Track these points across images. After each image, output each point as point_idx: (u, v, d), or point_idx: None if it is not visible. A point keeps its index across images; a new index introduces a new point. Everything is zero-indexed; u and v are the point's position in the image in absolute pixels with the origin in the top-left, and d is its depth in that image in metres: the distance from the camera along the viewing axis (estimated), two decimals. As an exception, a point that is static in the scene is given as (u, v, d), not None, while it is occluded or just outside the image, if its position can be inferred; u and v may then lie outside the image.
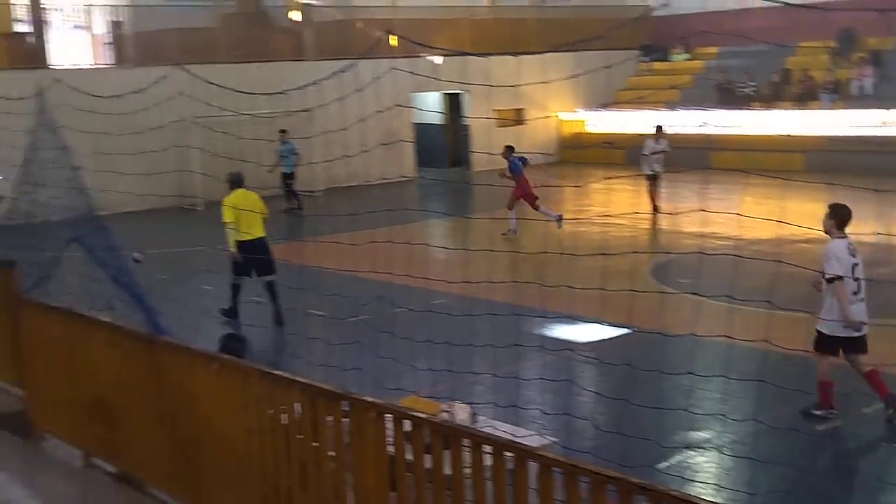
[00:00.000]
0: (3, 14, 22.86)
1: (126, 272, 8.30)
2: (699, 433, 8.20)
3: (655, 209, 19.63)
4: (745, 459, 6.90)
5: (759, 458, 6.01)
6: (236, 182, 11.15)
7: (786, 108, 26.57)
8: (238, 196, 11.12)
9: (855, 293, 8.00)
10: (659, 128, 20.51)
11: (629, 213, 17.92)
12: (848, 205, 8.00)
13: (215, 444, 5.93)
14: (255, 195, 11.24)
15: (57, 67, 22.29)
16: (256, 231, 10.99)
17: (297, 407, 5.33)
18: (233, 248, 10.96)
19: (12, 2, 24.03)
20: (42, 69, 21.37)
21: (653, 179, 19.92)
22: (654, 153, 20.08)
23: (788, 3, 4.98)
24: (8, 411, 8.64)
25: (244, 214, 10.69)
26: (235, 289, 11.18)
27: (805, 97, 26.63)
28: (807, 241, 14.05)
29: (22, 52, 22.60)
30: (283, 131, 20.64)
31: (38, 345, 7.84)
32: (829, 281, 7.94)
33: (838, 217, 8.04)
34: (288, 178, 21.20)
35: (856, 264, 8.04)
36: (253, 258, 10.52)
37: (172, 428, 6.35)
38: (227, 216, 10.93)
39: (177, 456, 6.33)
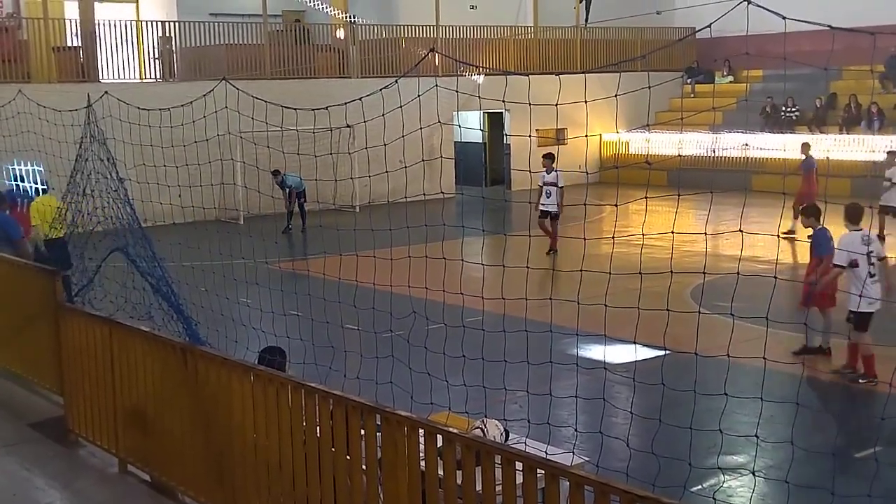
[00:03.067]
0: (54, 28, 23.31)
1: (166, 282, 8.42)
2: (733, 457, 8.12)
3: (551, 249, 17.35)
4: (780, 484, 6.82)
5: (793, 483, 5.94)
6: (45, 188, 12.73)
7: (831, 133, 26.32)
8: (43, 200, 12.61)
9: (871, 275, 9.56)
10: (548, 155, 17.98)
11: (654, 234, 17.74)
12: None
13: (249, 455, 5.98)
14: (56, 200, 12.39)
15: (106, 81, 22.67)
16: (58, 232, 12.27)
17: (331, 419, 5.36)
18: (41, 246, 11.96)
19: (65, 17, 24.51)
20: (92, 83, 21.76)
21: (545, 217, 17.64)
22: (545, 184, 17.74)
23: (834, 28, 4.95)
24: (48, 417, 8.78)
25: (48, 216, 11.84)
26: None
27: (851, 122, 26.37)
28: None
29: (72, 65, 23.02)
30: (276, 172, 20.66)
31: (79, 352, 7.95)
32: (848, 266, 9.62)
33: (850, 214, 9.89)
34: (300, 196, 21.56)
35: (870, 252, 9.68)
36: (54, 255, 11.47)
37: (207, 437, 6.41)
38: (35, 217, 12.22)
39: (210, 465, 6.39)
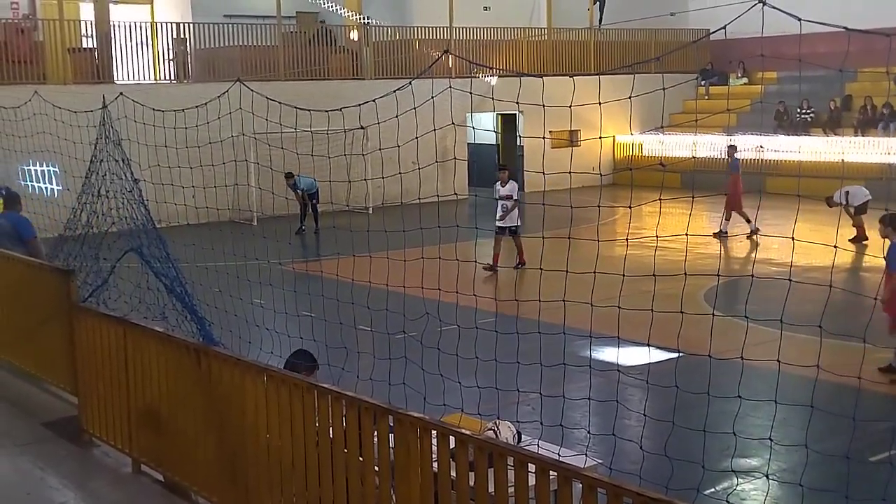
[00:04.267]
0: (70, 30, 23.42)
1: (180, 283, 8.45)
2: (747, 460, 8.10)
3: (491, 266, 16.17)
4: (794, 487, 6.79)
5: (808, 486, 5.92)
6: None
7: (846, 135, 26.21)
8: None
9: None
10: (502, 167, 16.89)
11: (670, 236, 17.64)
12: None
13: (262, 455, 5.99)
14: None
15: (121, 83, 22.77)
16: None
17: (344, 420, 5.36)
18: None
19: (80, 18, 24.63)
20: (106, 84, 21.85)
21: (502, 233, 16.39)
22: (499, 198, 16.35)
23: (849, 29, 4.93)
24: (61, 417, 8.81)
25: None
26: None
27: (866, 124, 26.25)
28: (864, 268, 13.85)
29: (87, 67, 23.13)
30: (289, 175, 20.63)
31: (93, 352, 7.98)
32: None
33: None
34: (312, 197, 21.60)
35: None
36: None
37: (220, 437, 6.42)
38: None
39: (224, 465, 6.40)
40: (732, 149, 20.69)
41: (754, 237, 18.54)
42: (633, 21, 28.14)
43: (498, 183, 16.58)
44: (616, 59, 30.38)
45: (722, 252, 17.86)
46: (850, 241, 17.92)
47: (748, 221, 19.02)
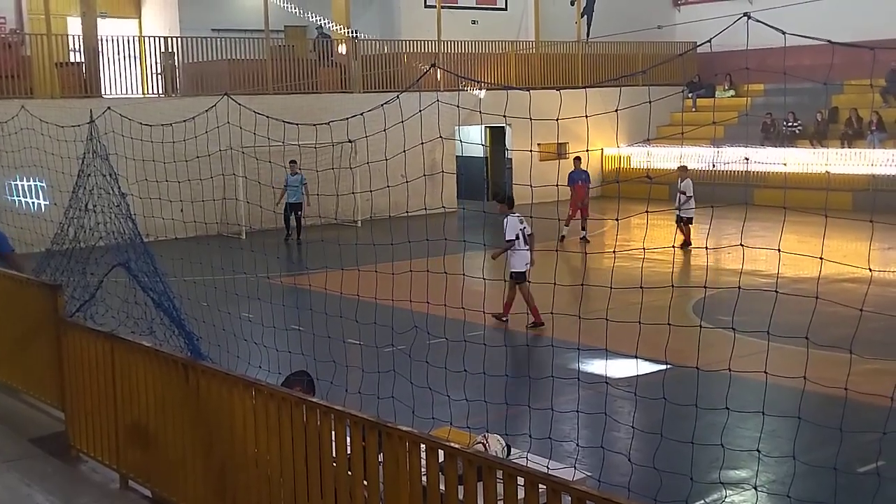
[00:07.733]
0: (57, 44, 23.38)
1: (168, 297, 8.42)
2: (736, 471, 8.10)
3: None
4: (782, 499, 6.80)
5: (796, 498, 5.92)
6: None
7: (833, 147, 26.34)
8: None
9: None
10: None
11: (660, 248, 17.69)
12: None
13: (250, 470, 5.97)
14: None
15: (108, 97, 22.74)
16: None
17: (332, 434, 5.35)
18: None
19: (68, 32, 24.60)
20: (94, 98, 21.81)
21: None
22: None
23: (833, 42, 4.96)
24: (49, 433, 8.77)
25: None
26: None
27: (852, 136, 26.39)
28: (851, 280, 13.90)
29: (75, 81, 23.09)
30: (292, 162, 20.71)
31: (80, 367, 7.95)
32: None
33: None
34: (296, 208, 21.69)
35: None
36: None
37: (208, 452, 6.40)
38: None
39: (212, 480, 6.38)
40: (577, 160, 22.23)
41: (562, 240, 20.39)
42: (621, 34, 28.26)
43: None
44: (603, 72, 30.50)
45: (709, 263, 17.91)
46: (680, 247, 18.91)
47: (566, 226, 20.74)
